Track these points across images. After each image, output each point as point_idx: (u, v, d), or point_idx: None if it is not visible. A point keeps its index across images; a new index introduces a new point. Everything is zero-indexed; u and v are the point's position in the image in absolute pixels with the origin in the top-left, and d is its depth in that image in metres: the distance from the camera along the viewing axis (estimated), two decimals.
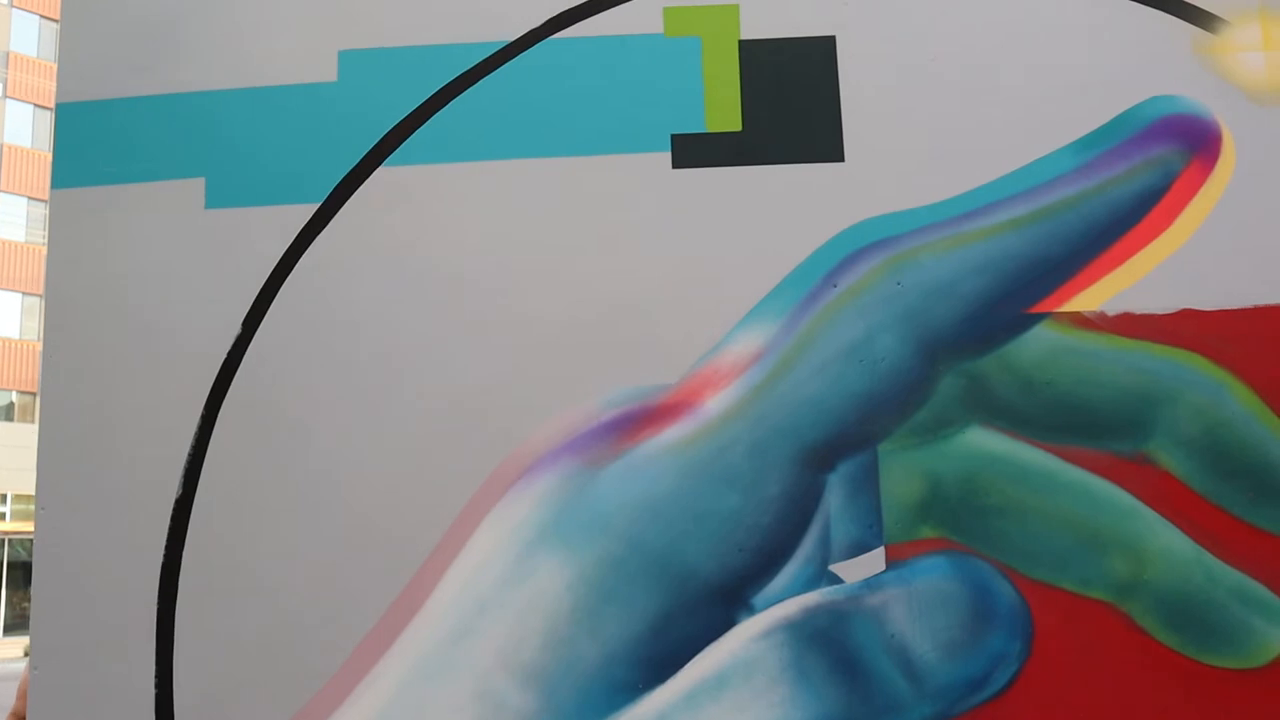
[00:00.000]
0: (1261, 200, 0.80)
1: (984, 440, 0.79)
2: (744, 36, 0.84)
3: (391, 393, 0.81)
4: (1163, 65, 0.82)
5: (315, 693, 0.77)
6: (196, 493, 0.81)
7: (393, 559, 0.79)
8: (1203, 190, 0.80)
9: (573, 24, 0.85)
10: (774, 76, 0.83)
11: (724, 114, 0.83)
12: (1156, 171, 0.80)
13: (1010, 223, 0.80)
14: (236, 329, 0.83)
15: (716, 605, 0.77)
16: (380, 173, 0.84)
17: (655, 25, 0.85)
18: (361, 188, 0.84)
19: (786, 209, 0.82)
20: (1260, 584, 0.77)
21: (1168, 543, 0.78)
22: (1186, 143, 0.81)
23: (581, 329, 0.81)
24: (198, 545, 0.80)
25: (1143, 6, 0.83)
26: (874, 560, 0.78)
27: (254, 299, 0.83)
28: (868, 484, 0.78)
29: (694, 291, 0.81)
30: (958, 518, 0.78)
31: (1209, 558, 0.77)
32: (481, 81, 0.84)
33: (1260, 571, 0.77)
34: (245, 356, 0.82)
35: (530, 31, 0.85)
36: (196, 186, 0.84)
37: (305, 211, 0.84)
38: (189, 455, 0.81)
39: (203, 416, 0.82)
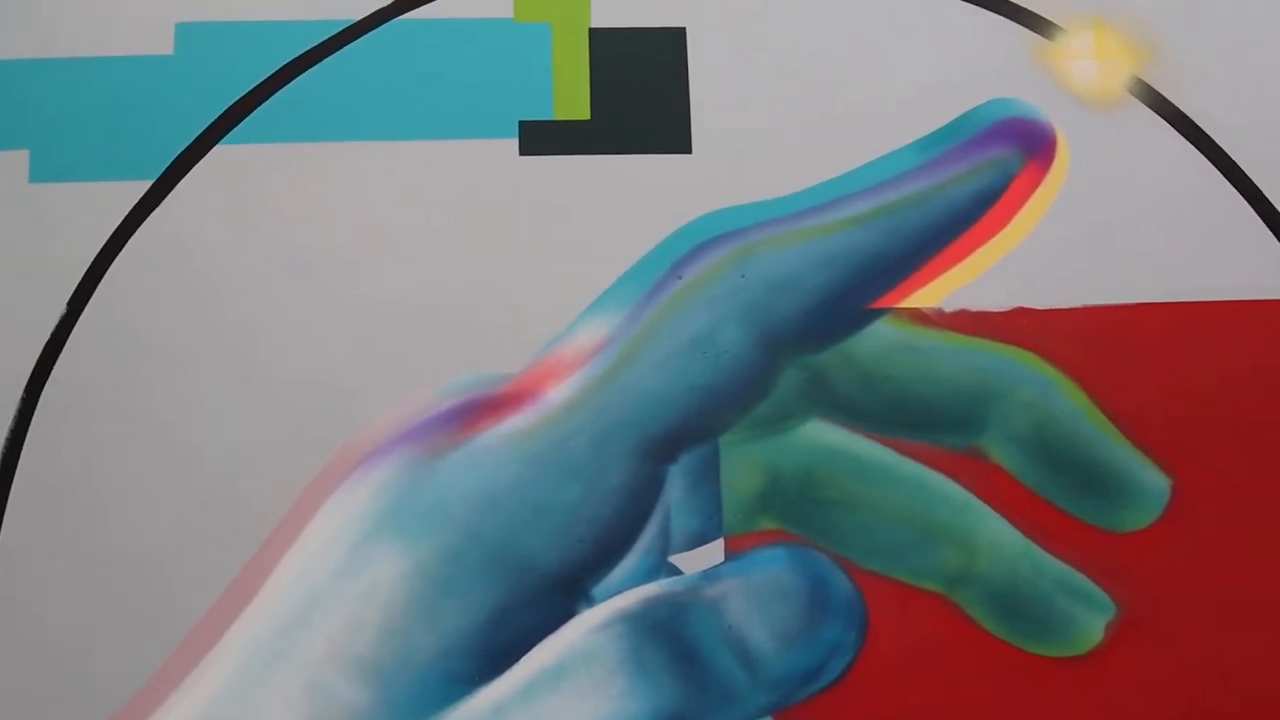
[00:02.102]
0: (1092, 204, 0.84)
1: (824, 434, 0.81)
2: (594, 24, 0.85)
3: (224, 377, 0.79)
4: (1002, 69, 0.86)
5: (138, 689, 0.76)
6: (14, 479, 0.78)
7: (224, 549, 0.78)
8: (1038, 192, 0.84)
9: (421, 5, 0.85)
10: (623, 66, 0.84)
11: (572, 102, 0.84)
12: (995, 172, 0.83)
13: (853, 219, 0.82)
14: (61, 309, 0.80)
15: (555, 597, 0.77)
16: (217, 150, 0.82)
17: (505, 10, 0.85)
18: (197, 166, 0.82)
19: (633, 199, 0.83)
20: (1083, 575, 0.80)
21: (997, 535, 0.81)
22: (1024, 145, 0.84)
23: (422, 316, 0.80)
24: (13, 536, 0.77)
25: (984, 11, 0.87)
26: (713, 552, 0.79)
27: (81, 278, 0.81)
28: (708, 476, 0.79)
29: (538, 280, 0.81)
30: (796, 510, 0.80)
31: (1036, 550, 0.80)
32: (325, 61, 0.84)
33: (1084, 562, 0.81)
34: (70, 338, 0.80)
35: (377, 11, 0.85)
36: (19, 159, 0.82)
37: (138, 188, 0.82)
38: (6, 440, 0.79)
39: (22, 400, 0.79)
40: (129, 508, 0.78)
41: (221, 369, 0.80)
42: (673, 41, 0.85)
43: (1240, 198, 0.85)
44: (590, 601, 0.78)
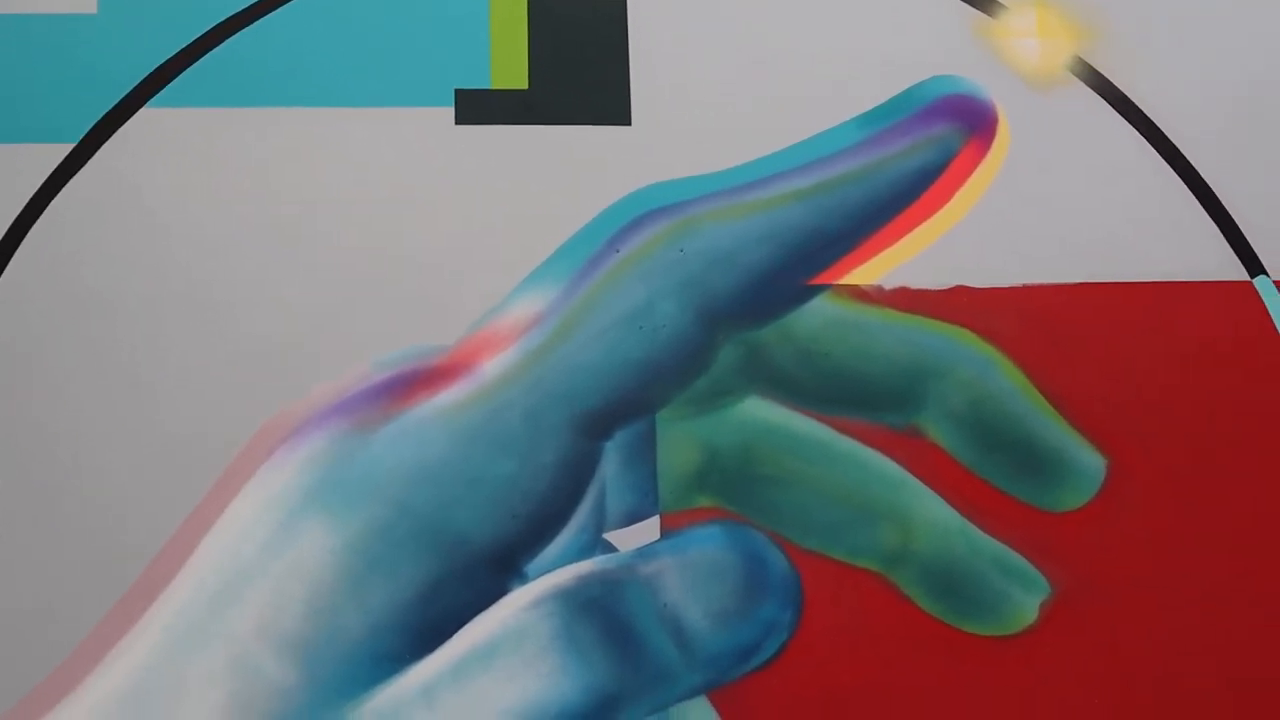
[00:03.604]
0: (1032, 183, 0.85)
1: (761, 411, 0.81)
2: None
3: (150, 346, 0.78)
4: (944, 45, 0.86)
5: (57, 665, 0.74)
6: None
7: (149, 523, 0.76)
8: (978, 170, 0.84)
9: None
10: (563, 35, 0.84)
11: (510, 71, 0.83)
12: (936, 149, 0.84)
13: (793, 194, 0.82)
14: None
15: (488, 573, 0.76)
16: (143, 113, 0.81)
17: None
18: (122, 128, 0.80)
19: (571, 171, 0.82)
20: (1018, 554, 0.81)
21: (934, 514, 0.81)
22: (965, 122, 0.85)
23: (355, 286, 0.79)
24: None
25: None
26: (649, 529, 0.79)
27: None
28: (645, 452, 0.79)
29: (474, 252, 0.81)
30: (733, 487, 0.80)
31: (972, 529, 0.81)
32: (257, 23, 0.82)
33: (1019, 541, 0.82)
34: None
35: None
36: None
37: (59, 151, 0.80)
38: None
39: None
40: (48, 480, 0.76)
41: (145, 337, 0.78)
42: (614, 9, 0.85)
43: (1179, 180, 0.87)
44: (523, 578, 0.78)
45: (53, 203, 0.79)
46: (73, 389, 0.78)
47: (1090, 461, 0.83)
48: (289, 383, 0.79)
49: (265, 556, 0.77)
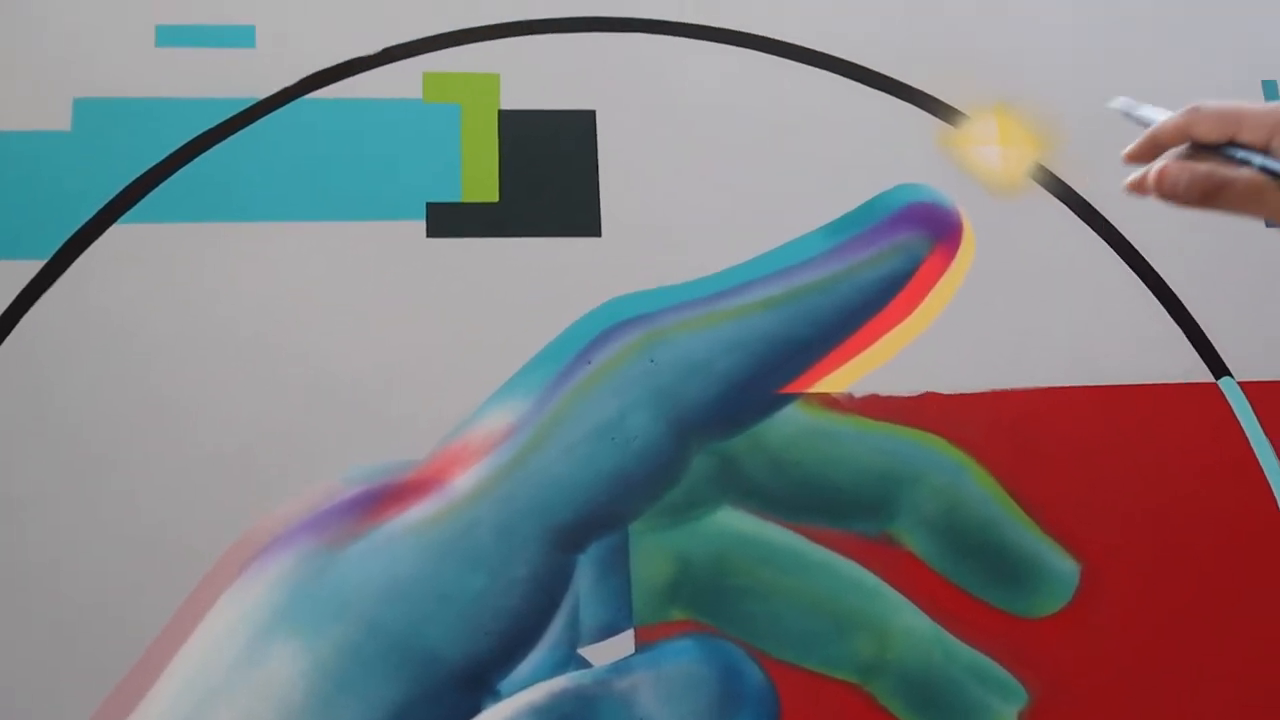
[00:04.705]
0: (998, 288, 0.86)
1: (734, 521, 0.81)
2: (504, 106, 0.86)
3: (117, 463, 0.78)
4: (909, 154, 0.88)
5: None
6: None
7: (117, 643, 0.76)
8: (945, 277, 0.85)
9: (328, 84, 0.85)
10: (533, 148, 0.85)
11: (481, 184, 0.84)
12: (902, 257, 0.85)
13: (763, 302, 0.84)
14: None
15: (460, 692, 0.76)
16: (114, 230, 0.81)
17: (414, 90, 0.86)
18: (93, 245, 0.81)
19: (542, 282, 0.83)
20: (995, 662, 0.81)
21: (909, 623, 0.81)
22: (931, 230, 0.86)
23: (326, 401, 0.80)
24: None
25: (891, 98, 0.89)
26: (623, 643, 0.79)
27: None
28: (618, 565, 0.79)
29: (445, 365, 0.81)
30: (707, 599, 0.80)
31: (948, 637, 0.81)
32: (229, 139, 0.84)
33: (995, 649, 0.82)
34: None
35: (283, 90, 0.84)
36: None
37: (29, 268, 0.80)
38: None
39: None
40: (16, 601, 0.75)
41: (113, 454, 0.78)
42: (583, 124, 0.87)
43: (1142, 284, 0.88)
44: (496, 696, 0.77)
45: (20, 323, 0.79)
46: (47, 500, 0.77)
47: (1064, 567, 0.83)
48: (260, 495, 0.79)
49: (235, 677, 0.76)
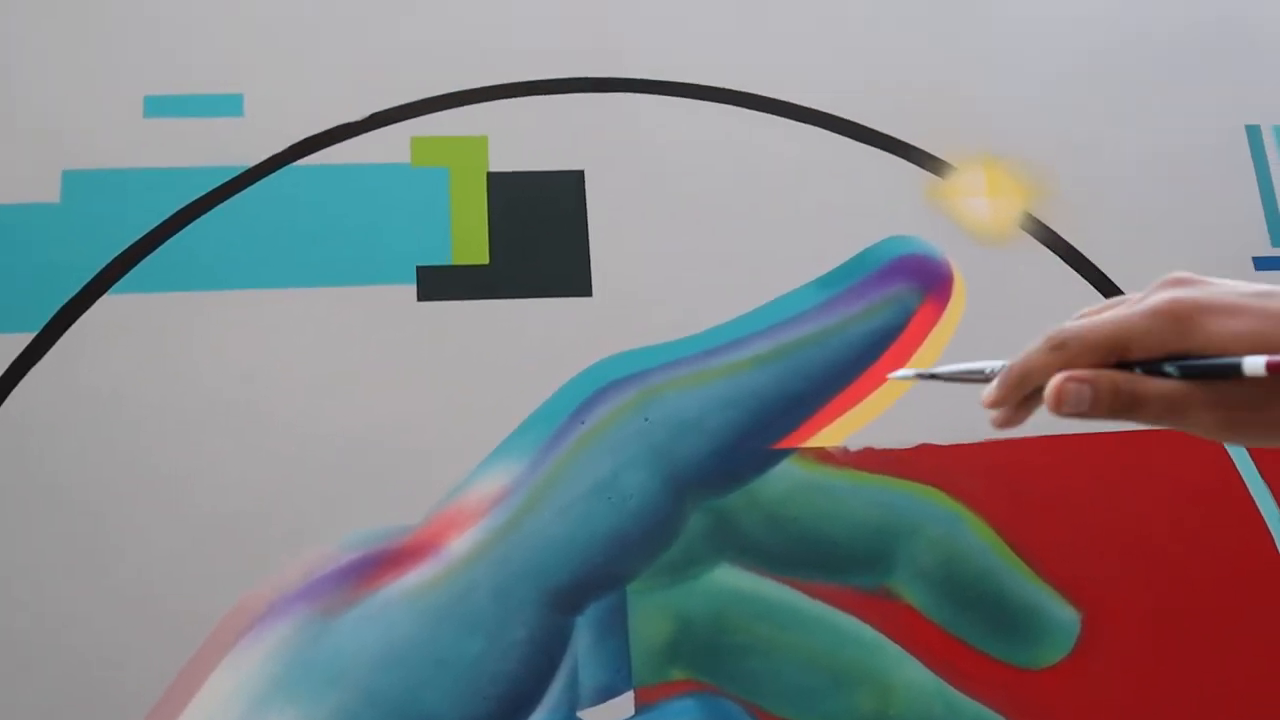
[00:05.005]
0: (990, 337, 0.87)
1: (732, 578, 0.81)
2: (492, 168, 0.86)
3: (111, 534, 0.78)
4: (897, 206, 0.89)
5: None
6: None
7: (113, 715, 0.75)
8: (937, 328, 0.86)
9: (317, 151, 0.85)
10: (522, 209, 0.86)
11: (471, 246, 0.85)
12: (894, 309, 0.85)
13: (755, 358, 0.84)
14: None
15: None
16: (105, 300, 0.81)
17: (402, 155, 0.86)
18: (83, 316, 0.81)
19: (534, 343, 0.83)
20: (998, 714, 0.81)
21: (910, 676, 0.81)
22: (921, 281, 0.87)
23: (319, 467, 0.80)
24: None
25: (878, 151, 0.90)
26: (623, 705, 0.78)
27: None
28: (616, 626, 0.79)
29: (438, 428, 0.81)
30: (706, 658, 0.80)
31: (949, 689, 0.81)
32: (218, 208, 0.84)
33: (997, 701, 0.81)
34: None
35: (271, 157, 0.85)
36: None
37: (19, 341, 0.80)
38: None
39: None
40: (12, 676, 0.75)
41: (107, 525, 0.78)
42: (572, 184, 0.87)
43: None
44: None
45: (10, 395, 0.79)
46: (41, 571, 0.77)
47: (1064, 616, 0.83)
48: (255, 562, 0.78)
49: None
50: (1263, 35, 1.01)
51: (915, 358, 0.86)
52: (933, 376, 0.41)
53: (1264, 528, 0.86)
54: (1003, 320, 0.88)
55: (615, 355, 0.84)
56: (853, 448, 0.84)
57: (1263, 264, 0.91)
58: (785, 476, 0.83)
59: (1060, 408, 0.32)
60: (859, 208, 0.90)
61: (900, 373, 0.45)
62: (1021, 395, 0.35)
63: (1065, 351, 0.34)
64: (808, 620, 0.81)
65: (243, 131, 0.86)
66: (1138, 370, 0.34)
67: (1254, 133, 0.96)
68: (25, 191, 0.84)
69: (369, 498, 0.80)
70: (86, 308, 0.82)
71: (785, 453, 0.83)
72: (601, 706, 0.79)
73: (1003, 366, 0.35)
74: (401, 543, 0.79)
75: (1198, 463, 0.87)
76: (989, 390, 0.36)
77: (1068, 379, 0.32)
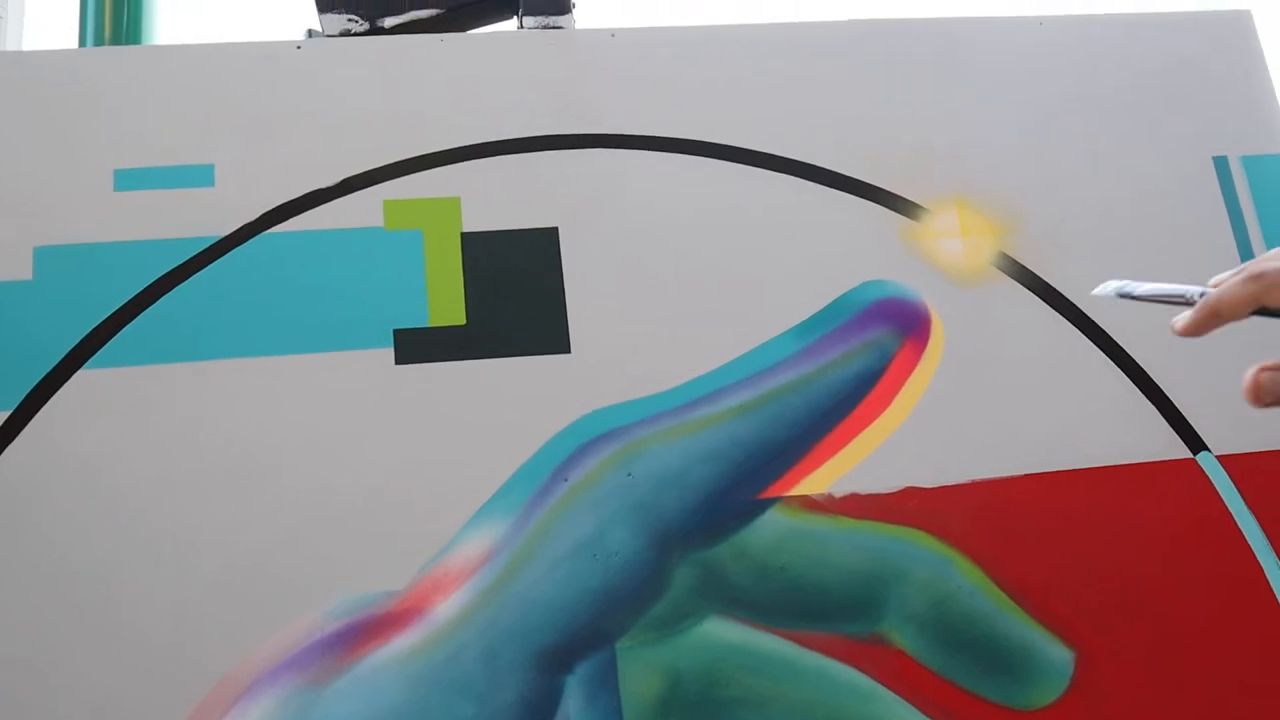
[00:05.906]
0: (970, 378, 0.87)
1: (722, 630, 0.81)
2: (466, 229, 0.87)
3: (91, 609, 0.77)
4: (873, 251, 0.89)
5: None
6: None
7: None
8: (916, 370, 0.86)
9: (289, 218, 0.85)
10: (497, 268, 0.86)
11: (447, 307, 0.85)
12: (873, 354, 0.86)
13: (736, 409, 0.84)
14: None
15: None
16: (80, 376, 0.81)
17: (375, 219, 0.86)
18: (59, 392, 0.80)
19: (514, 402, 0.84)
20: None
21: None
22: (899, 325, 0.87)
23: (302, 536, 0.80)
24: None
25: (851, 196, 0.90)
26: None
27: None
28: (607, 684, 0.78)
29: (421, 491, 0.81)
30: (699, 712, 0.80)
31: None
32: (192, 278, 0.84)
33: None
34: None
35: (243, 226, 0.85)
36: None
37: None
38: None
39: None
40: None
41: (87, 601, 0.78)
42: (546, 241, 0.88)
43: (1112, 364, 0.89)
44: None
45: None
46: (17, 646, 0.76)
47: (1057, 655, 0.83)
48: (239, 633, 0.78)
49: None
50: (1224, 68, 1.02)
51: (897, 400, 0.86)
52: (1133, 297, 0.43)
53: (1255, 563, 0.86)
54: (983, 359, 0.89)
55: (596, 411, 0.84)
56: (838, 494, 0.84)
57: None
58: (771, 526, 0.83)
59: (1260, 399, 0.33)
60: (834, 254, 0.90)
61: (1100, 289, 0.46)
62: (1216, 328, 0.37)
63: (1261, 282, 0.36)
64: (800, 670, 0.81)
65: (214, 201, 0.87)
66: None
67: (1221, 164, 0.97)
68: None
69: (354, 563, 0.80)
70: (62, 383, 0.82)
71: (770, 502, 0.84)
72: None
73: (1202, 293, 0.37)
74: (388, 608, 0.79)
75: (1187, 499, 0.88)
76: (1185, 318, 0.38)
77: (1263, 368, 0.34)
